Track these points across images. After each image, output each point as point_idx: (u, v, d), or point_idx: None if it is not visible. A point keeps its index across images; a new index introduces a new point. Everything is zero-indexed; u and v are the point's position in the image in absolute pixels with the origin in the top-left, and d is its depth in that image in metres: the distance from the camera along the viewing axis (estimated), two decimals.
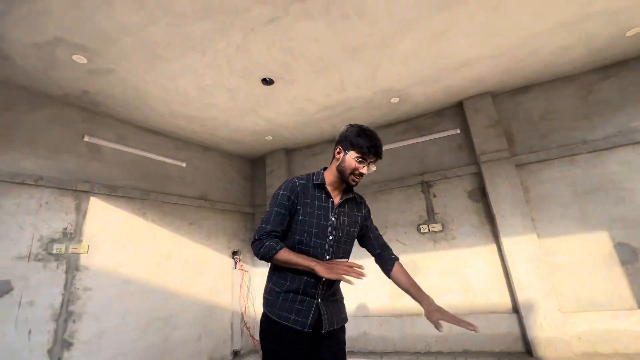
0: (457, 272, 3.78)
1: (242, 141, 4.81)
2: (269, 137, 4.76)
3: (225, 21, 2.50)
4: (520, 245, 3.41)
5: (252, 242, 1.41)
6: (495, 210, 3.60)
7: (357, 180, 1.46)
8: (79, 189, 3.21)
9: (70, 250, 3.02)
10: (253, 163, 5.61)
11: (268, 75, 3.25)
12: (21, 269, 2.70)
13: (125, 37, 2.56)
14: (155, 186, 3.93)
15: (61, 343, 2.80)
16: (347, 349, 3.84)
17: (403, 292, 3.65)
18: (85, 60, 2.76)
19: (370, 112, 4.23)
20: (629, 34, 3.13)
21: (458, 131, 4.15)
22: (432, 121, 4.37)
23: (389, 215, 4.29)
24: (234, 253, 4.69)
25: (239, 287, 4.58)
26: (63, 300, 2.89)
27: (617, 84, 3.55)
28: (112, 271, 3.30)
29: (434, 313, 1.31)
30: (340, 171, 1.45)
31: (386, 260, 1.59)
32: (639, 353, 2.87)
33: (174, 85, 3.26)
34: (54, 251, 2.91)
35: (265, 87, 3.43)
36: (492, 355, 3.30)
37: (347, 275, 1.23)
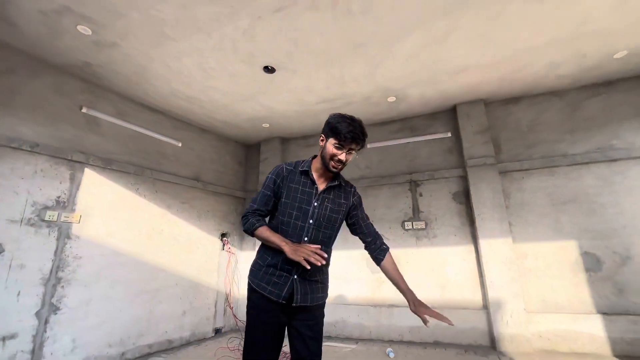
0: (435, 268, 3.98)
1: (239, 126, 4.87)
2: (266, 125, 4.83)
3: (234, 6, 2.55)
4: (495, 248, 3.62)
5: (242, 217, 1.57)
6: (477, 213, 3.79)
7: (338, 166, 1.49)
8: (74, 159, 3.24)
9: (62, 219, 3.07)
10: (248, 149, 5.67)
11: (271, 64, 3.32)
12: (13, 232, 2.75)
13: (133, 12, 2.58)
14: (150, 163, 3.98)
15: (49, 306, 2.87)
16: (324, 334, 4.01)
17: (382, 284, 3.86)
18: (90, 32, 2.78)
19: (367, 108, 4.34)
20: (616, 56, 3.30)
21: (449, 134, 4.31)
22: (426, 123, 4.51)
23: (376, 210, 4.45)
24: (223, 235, 4.79)
25: (225, 268, 4.70)
26: (53, 266, 2.95)
27: (602, 103, 3.74)
28: (103, 242, 3.36)
29: (421, 307, 1.41)
30: (322, 157, 1.52)
31: (377, 249, 1.65)
32: (592, 353, 3.13)
33: (177, 64, 3.29)
34: (47, 218, 2.96)
35: (267, 74, 3.50)
36: (460, 347, 3.53)
37: (308, 258, 1.30)
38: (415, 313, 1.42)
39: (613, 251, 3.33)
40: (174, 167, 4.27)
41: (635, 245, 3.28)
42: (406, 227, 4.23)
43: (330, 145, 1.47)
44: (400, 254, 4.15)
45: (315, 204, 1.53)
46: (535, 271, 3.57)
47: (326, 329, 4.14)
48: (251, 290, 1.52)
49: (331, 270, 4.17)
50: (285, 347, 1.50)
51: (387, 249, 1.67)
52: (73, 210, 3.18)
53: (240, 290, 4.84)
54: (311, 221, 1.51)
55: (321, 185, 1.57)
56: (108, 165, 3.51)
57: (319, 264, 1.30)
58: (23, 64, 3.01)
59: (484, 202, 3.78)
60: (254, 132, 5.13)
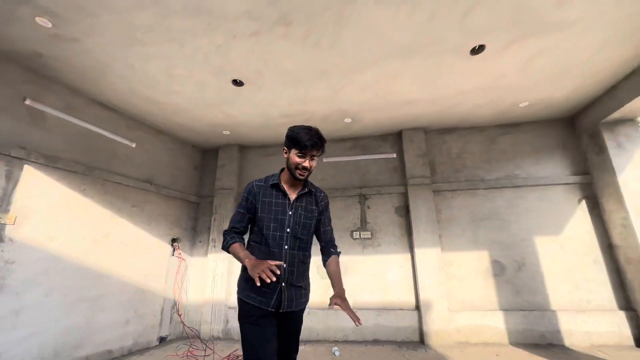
0: (378, 274, 4.46)
1: (199, 130, 4.85)
2: (227, 132, 4.90)
3: (212, 23, 2.70)
4: (427, 256, 4.23)
5: (223, 235, 1.70)
6: (414, 225, 4.38)
7: (304, 173, 1.61)
8: (12, 155, 2.98)
9: None
10: (204, 153, 5.62)
11: (240, 78, 3.49)
12: None
13: (105, 14, 2.56)
14: (99, 163, 3.78)
15: None
16: None
17: (330, 288, 4.31)
18: (49, 25, 2.65)
19: (325, 125, 4.71)
20: (521, 105, 4.20)
21: (395, 155, 4.90)
22: (376, 143, 5.06)
23: None
24: (174, 240, 4.68)
25: (174, 275, 4.59)
26: None
27: (511, 140, 4.66)
28: (41, 246, 3.11)
29: (336, 298, 1.50)
30: (289, 168, 1.64)
31: (326, 252, 1.78)
32: (495, 342, 3.85)
33: (142, 67, 3.26)
34: None
35: (234, 87, 3.65)
36: (395, 344, 4.01)
37: (260, 275, 1.33)
38: (330, 300, 1.50)
39: (513, 259, 4.16)
40: (125, 168, 4.10)
41: (529, 254, 4.15)
42: (354, 237, 4.66)
43: (294, 156, 1.59)
44: (348, 261, 4.55)
45: (290, 212, 1.64)
46: (457, 276, 4.25)
47: None
48: (242, 303, 1.60)
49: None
50: None
51: (335, 253, 1.77)
52: (7, 211, 2.91)
53: (188, 297, 4.75)
54: (288, 230, 1.62)
55: (292, 195, 1.68)
56: (52, 163, 3.27)
57: (268, 281, 1.32)
58: None
59: (420, 216, 4.40)
60: (213, 138, 5.14)
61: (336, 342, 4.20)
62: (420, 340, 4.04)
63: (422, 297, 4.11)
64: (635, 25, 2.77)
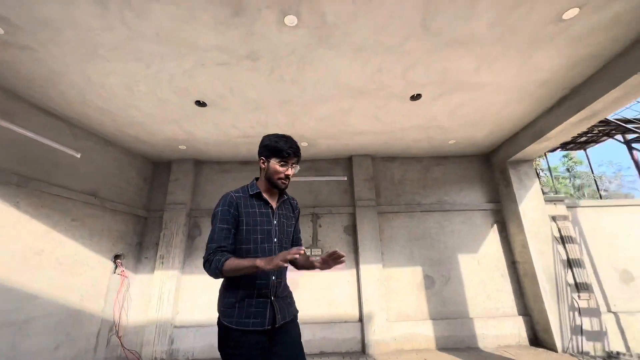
0: (326, 289, 4.77)
1: (153, 144, 4.75)
2: (183, 147, 4.87)
3: (182, 51, 2.85)
4: (371, 272, 4.67)
5: (203, 264, 1.44)
6: (360, 243, 4.82)
7: (286, 182, 1.58)
8: None
9: None
10: (156, 166, 5.45)
11: (203, 99, 3.62)
12: None
13: (70, 30, 2.55)
14: (38, 174, 3.51)
15: None
16: (205, 357, 4.26)
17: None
18: (1, 32, 2.54)
19: None
20: (450, 142, 4.98)
21: (345, 178, 5.35)
22: (329, 166, 5.48)
23: None
24: (117, 257, 4.43)
25: (115, 293, 4.32)
26: None
27: (442, 171, 5.45)
28: None
29: (316, 262, 1.57)
30: (269, 179, 1.57)
31: None
32: (425, 348, 4.38)
33: (101, 80, 3.21)
34: None
35: (197, 107, 3.75)
36: (340, 355, 4.31)
37: (285, 257, 1.24)
38: (322, 266, 1.55)
39: (441, 274, 4.82)
40: (67, 180, 3.85)
41: (453, 270, 4.84)
42: (306, 254, 4.92)
43: (275, 165, 1.54)
44: (299, 277, 4.78)
45: (275, 222, 1.58)
46: (396, 290, 4.76)
47: (212, 352, 4.32)
48: (228, 331, 1.41)
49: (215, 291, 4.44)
50: None
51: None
52: None
53: (129, 317, 4.49)
54: (275, 240, 1.55)
55: (273, 204, 1.62)
56: None
57: (298, 256, 1.24)
58: None
59: (366, 235, 4.86)
60: (167, 151, 5.05)
61: None
62: (362, 350, 4.41)
63: (365, 310, 4.51)
64: (529, 91, 3.62)
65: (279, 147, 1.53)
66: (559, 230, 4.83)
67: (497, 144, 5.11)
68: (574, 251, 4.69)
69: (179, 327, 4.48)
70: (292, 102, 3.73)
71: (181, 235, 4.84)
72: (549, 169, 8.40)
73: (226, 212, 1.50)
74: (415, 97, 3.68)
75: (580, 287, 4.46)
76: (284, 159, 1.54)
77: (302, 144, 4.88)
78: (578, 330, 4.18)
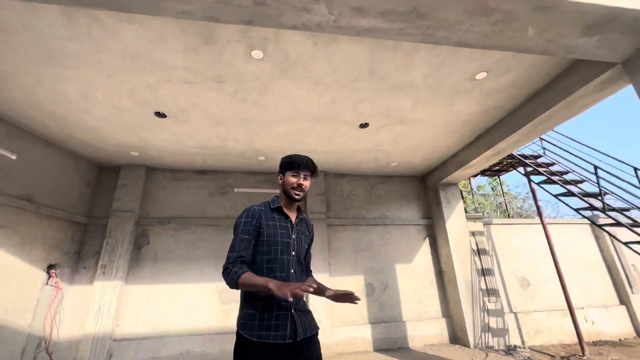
0: None
1: (102, 149, 4.57)
2: (135, 153, 4.76)
3: (147, 67, 2.95)
4: (318, 280, 5.01)
5: (222, 272, 1.46)
6: None
7: (299, 193, 1.63)
8: None
9: None
10: (101, 170, 5.18)
11: (164, 111, 3.68)
12: None
13: (27, 35, 2.52)
14: None
15: None
16: None
17: (230, 313, 4.52)
18: None
19: (240, 160, 5.16)
20: (392, 164, 5.64)
21: None
22: None
23: None
24: (50, 267, 4.13)
25: (46, 307, 4.02)
26: None
27: (384, 188, 6.09)
28: None
29: (328, 290, 1.60)
30: (285, 191, 1.65)
31: (306, 275, 1.79)
32: (363, 351, 4.83)
33: (53, 84, 3.12)
34: None
35: (156, 117, 3.79)
36: None
37: (295, 291, 1.24)
38: (328, 297, 1.59)
39: (381, 282, 5.37)
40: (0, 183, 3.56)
41: (391, 278, 5.43)
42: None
43: (288, 177, 1.64)
44: None
45: (294, 236, 1.62)
46: None
47: None
48: (248, 345, 1.40)
49: (178, 303, 4.74)
50: None
51: (311, 274, 1.85)
52: None
53: (60, 331, 4.18)
54: (293, 253, 1.58)
55: (293, 219, 1.68)
56: None
57: (311, 290, 1.26)
58: None
59: (315, 246, 5.20)
60: (116, 156, 4.87)
61: None
62: None
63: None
64: (453, 128, 4.36)
65: (290, 160, 1.65)
66: (476, 244, 5.73)
67: (430, 168, 5.92)
68: (487, 262, 5.60)
69: (119, 340, 4.30)
70: (253, 121, 3.98)
71: (127, 244, 4.68)
72: (471, 190, 9.73)
73: (248, 223, 1.55)
74: (364, 125, 4.19)
75: (490, 292, 5.35)
76: (295, 170, 1.63)
77: (260, 158, 5.11)
78: (486, 329, 5.00)
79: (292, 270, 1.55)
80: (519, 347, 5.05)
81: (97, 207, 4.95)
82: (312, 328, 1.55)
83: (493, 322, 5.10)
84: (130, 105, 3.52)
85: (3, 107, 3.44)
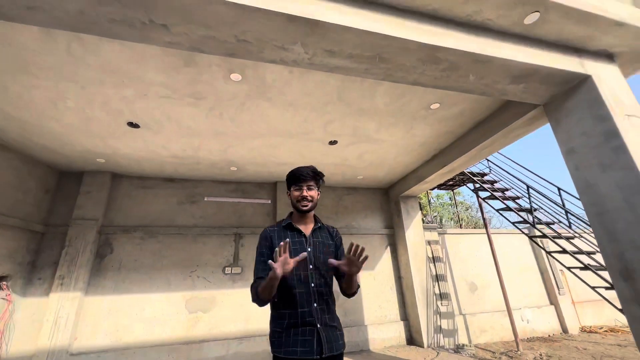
0: (244, 305, 5.08)
1: (65, 154, 4.41)
2: (101, 160, 4.65)
3: (125, 80, 3.01)
4: None
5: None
6: None
7: (306, 204, 1.64)
8: None
9: None
10: (62, 176, 4.97)
11: (137, 122, 3.71)
12: None
13: (0, 46, 2.50)
14: None
15: None
16: None
17: (197, 322, 4.59)
18: None
19: (212, 170, 5.24)
20: (358, 177, 6.03)
21: (269, 202, 5.86)
22: (254, 189, 5.91)
23: (202, 256, 5.15)
24: (1, 278, 3.90)
25: None
26: None
27: (351, 200, 6.47)
28: None
29: (342, 267, 1.46)
30: (293, 206, 1.68)
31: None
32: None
33: (21, 91, 3.06)
34: None
35: (129, 127, 3.80)
36: None
37: (286, 268, 1.32)
38: (349, 267, 1.45)
39: None
40: None
41: None
42: (226, 272, 5.18)
43: (293, 192, 1.67)
44: (218, 295, 4.99)
45: (309, 249, 1.59)
46: None
47: None
48: None
49: (142, 313, 4.79)
50: None
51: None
52: None
53: (10, 348, 3.94)
54: (311, 266, 1.56)
55: (307, 231, 1.66)
56: None
57: (290, 261, 1.33)
58: None
59: None
60: (80, 162, 4.71)
61: None
62: None
63: None
64: (412, 148, 4.83)
65: (291, 175, 1.69)
66: (432, 252, 6.28)
67: (393, 182, 6.41)
68: (441, 268, 6.16)
69: (77, 354, 4.14)
70: (227, 134, 4.13)
71: (88, 253, 4.53)
72: (428, 202, 10.55)
73: (262, 245, 1.64)
74: (333, 143, 4.52)
75: (442, 296, 5.89)
76: (297, 183, 1.66)
77: (232, 169, 5.23)
78: (438, 330, 5.51)
79: (313, 284, 1.52)
80: (467, 345, 5.61)
81: (56, 215, 4.73)
82: (338, 347, 1.51)
83: (445, 323, 5.63)
84: (102, 114, 3.52)
85: None
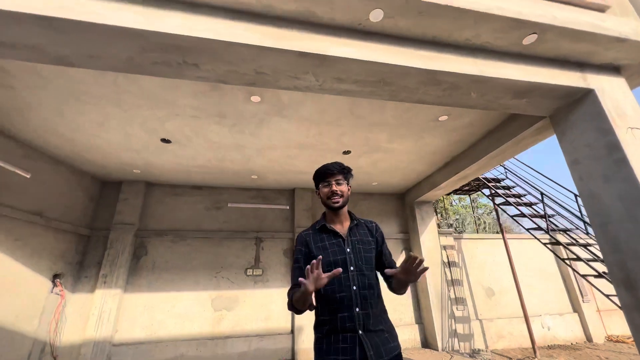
0: (265, 305, 5.43)
1: (106, 166, 4.96)
2: (137, 171, 5.17)
3: (159, 104, 3.43)
4: None
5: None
6: None
7: (337, 199, 1.56)
8: None
9: None
10: (104, 185, 5.56)
11: (169, 138, 4.15)
12: None
13: (59, 79, 2.97)
14: None
15: None
16: None
17: (222, 320, 5.02)
18: None
19: (234, 178, 5.64)
20: (373, 184, 6.23)
21: (287, 207, 6.19)
22: (274, 196, 6.26)
23: (226, 258, 5.56)
24: (56, 276, 4.47)
25: (51, 313, 4.34)
26: None
27: (367, 205, 6.66)
28: None
29: (398, 275, 1.39)
30: (324, 204, 1.62)
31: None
32: None
33: (72, 114, 3.55)
34: None
35: (162, 143, 4.25)
36: None
37: (317, 284, 1.24)
38: (406, 276, 1.36)
39: None
40: (15, 200, 3.92)
41: None
42: (248, 273, 5.55)
43: (322, 189, 1.61)
44: (240, 294, 5.36)
45: (348, 249, 1.51)
46: None
47: None
48: None
49: (173, 310, 5.22)
50: None
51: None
52: None
53: (62, 337, 4.50)
54: (352, 268, 1.47)
55: (343, 231, 1.58)
56: None
57: (324, 277, 1.25)
58: None
59: None
60: (119, 173, 5.26)
61: None
62: (292, 358, 5.14)
63: (296, 323, 5.29)
64: (424, 156, 4.98)
65: (318, 172, 1.64)
66: (447, 257, 6.35)
67: (407, 187, 6.55)
68: (456, 273, 6.22)
69: (118, 345, 4.65)
70: (248, 147, 4.49)
71: (127, 254, 5.05)
72: (450, 204, 10.47)
73: (298, 251, 1.58)
74: (346, 152, 4.77)
75: (458, 300, 5.95)
76: (324, 179, 1.60)
77: (253, 177, 5.61)
78: (453, 334, 5.58)
79: (354, 287, 1.44)
80: (482, 350, 5.64)
81: (99, 220, 5.31)
82: (389, 350, 1.39)
83: (460, 328, 5.69)
84: (140, 132, 3.98)
85: (25, 134, 3.83)
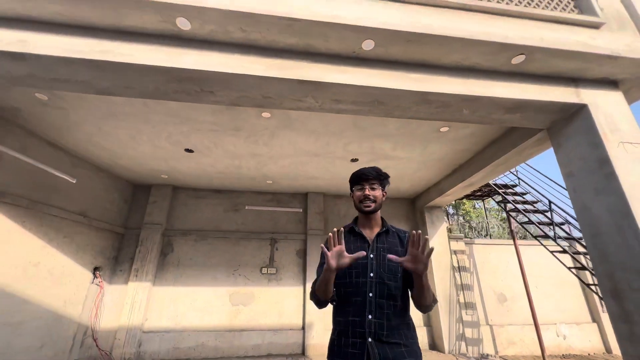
0: (278, 302, 5.80)
1: (138, 172, 5.55)
2: (165, 176, 5.73)
3: (183, 121, 3.87)
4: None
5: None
6: (308, 265, 5.97)
7: (369, 204, 1.53)
8: None
9: None
10: (136, 188, 6.18)
11: (192, 148, 4.62)
12: None
13: (99, 101, 3.48)
14: (41, 197, 4.20)
15: None
16: (184, 357, 5.14)
17: (239, 314, 5.47)
18: (46, 98, 3.39)
19: (251, 182, 6.06)
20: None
21: (301, 210, 6.53)
22: (288, 199, 6.63)
23: (243, 257, 5.99)
24: (96, 269, 5.09)
25: (92, 301, 4.96)
26: None
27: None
28: None
29: (406, 264, 1.31)
30: (357, 207, 1.59)
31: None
32: None
33: (109, 129, 4.09)
34: None
35: (185, 152, 4.73)
36: (283, 356, 5.33)
37: (336, 246, 1.27)
38: (414, 264, 1.30)
39: None
40: (64, 202, 4.54)
41: None
42: (263, 272, 5.96)
43: (355, 192, 1.58)
44: (256, 291, 5.77)
45: (372, 255, 1.47)
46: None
47: (187, 352, 5.15)
48: None
49: (195, 303, 5.71)
50: None
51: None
52: None
53: (101, 323, 5.11)
54: (372, 274, 1.42)
55: (371, 236, 1.55)
56: (1, 198, 3.68)
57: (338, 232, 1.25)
58: None
59: (313, 258, 6.02)
60: (149, 178, 5.85)
61: (238, 357, 5.27)
62: (302, 352, 5.48)
63: (307, 320, 5.62)
64: (430, 164, 5.13)
65: (353, 176, 1.62)
66: (457, 262, 6.41)
67: (417, 193, 6.67)
68: (467, 278, 6.27)
69: (147, 332, 5.20)
70: (262, 155, 4.87)
71: (155, 251, 5.61)
72: (455, 212, 10.37)
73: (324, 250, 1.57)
74: (354, 160, 5.02)
75: (467, 305, 6.02)
76: (358, 183, 1.58)
77: (267, 182, 6.00)
78: (461, 338, 5.67)
79: (371, 294, 1.38)
80: (491, 356, 5.69)
81: (132, 220, 5.92)
82: None
83: (468, 332, 5.76)
84: (166, 144, 4.47)
85: (72, 145, 4.44)
